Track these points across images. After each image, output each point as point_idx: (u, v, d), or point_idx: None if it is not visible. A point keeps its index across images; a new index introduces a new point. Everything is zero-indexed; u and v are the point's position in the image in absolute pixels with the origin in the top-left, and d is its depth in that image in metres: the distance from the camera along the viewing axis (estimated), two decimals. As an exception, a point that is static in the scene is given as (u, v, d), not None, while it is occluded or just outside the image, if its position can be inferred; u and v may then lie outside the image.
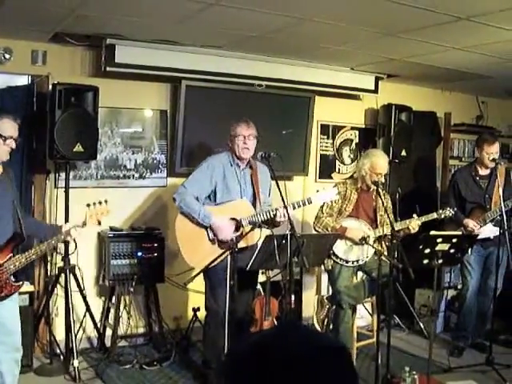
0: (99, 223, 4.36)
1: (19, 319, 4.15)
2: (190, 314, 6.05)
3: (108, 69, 5.60)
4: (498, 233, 5.66)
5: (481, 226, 5.80)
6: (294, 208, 4.86)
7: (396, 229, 5.14)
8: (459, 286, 6.71)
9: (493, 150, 5.84)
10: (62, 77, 5.46)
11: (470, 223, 5.80)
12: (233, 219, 4.89)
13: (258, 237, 4.69)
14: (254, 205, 5.03)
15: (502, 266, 5.69)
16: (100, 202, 4.32)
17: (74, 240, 5.43)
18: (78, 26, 5.15)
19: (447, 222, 5.81)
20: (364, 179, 5.39)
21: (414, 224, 5.31)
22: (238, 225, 4.89)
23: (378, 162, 5.36)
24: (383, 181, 5.57)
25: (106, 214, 4.34)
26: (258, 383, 1.16)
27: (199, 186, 4.93)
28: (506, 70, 6.28)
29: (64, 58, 5.70)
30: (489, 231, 5.83)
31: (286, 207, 4.60)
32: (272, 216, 4.82)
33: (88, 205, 4.23)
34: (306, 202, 4.91)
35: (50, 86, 5.39)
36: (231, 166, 5.01)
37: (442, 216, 5.48)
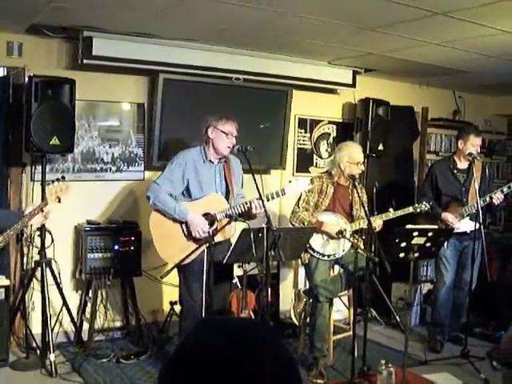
0: (59, 201, 4.40)
1: None
2: (167, 307, 6.04)
3: (85, 61, 5.56)
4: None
5: (459, 220, 5.81)
6: (268, 200, 4.85)
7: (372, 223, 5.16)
8: (435, 280, 6.72)
9: (479, 142, 5.88)
10: (38, 69, 5.41)
11: (449, 217, 5.81)
12: (207, 214, 4.89)
13: (233, 230, 4.70)
14: (227, 198, 5.03)
15: (477, 260, 5.74)
16: (58, 180, 4.36)
17: (48, 231, 5.45)
18: (54, 18, 5.11)
19: (421, 215, 5.75)
20: (343, 173, 5.38)
21: (379, 222, 5.34)
22: (213, 219, 4.89)
23: (355, 151, 5.39)
24: (364, 169, 5.60)
25: (64, 190, 4.39)
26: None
27: (171, 184, 4.93)
28: (482, 65, 6.34)
29: (40, 50, 5.65)
30: (466, 225, 5.83)
31: (261, 199, 4.61)
32: (247, 208, 4.83)
33: (47, 183, 4.25)
34: (280, 193, 4.91)
35: (26, 79, 5.33)
36: (204, 162, 5.01)
37: (418, 210, 5.49)
